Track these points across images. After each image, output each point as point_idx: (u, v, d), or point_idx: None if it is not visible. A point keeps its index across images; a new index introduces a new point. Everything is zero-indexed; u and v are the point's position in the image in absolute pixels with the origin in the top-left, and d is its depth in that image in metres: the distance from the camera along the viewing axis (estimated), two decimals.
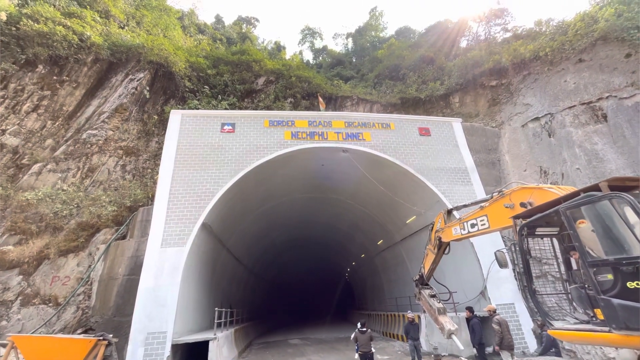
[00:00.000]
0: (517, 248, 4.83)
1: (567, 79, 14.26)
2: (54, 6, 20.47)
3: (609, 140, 11.07)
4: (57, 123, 16.62)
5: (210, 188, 11.68)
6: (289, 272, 35.08)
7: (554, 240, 5.38)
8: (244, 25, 50.52)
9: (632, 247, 3.47)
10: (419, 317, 12.68)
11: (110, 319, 9.72)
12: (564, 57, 15.19)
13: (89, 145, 15.50)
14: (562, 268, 5.02)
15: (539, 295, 4.67)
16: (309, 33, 52.53)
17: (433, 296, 8.93)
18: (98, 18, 22.60)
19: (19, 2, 19.59)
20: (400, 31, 45.89)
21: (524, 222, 4.86)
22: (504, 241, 12.39)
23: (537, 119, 14.04)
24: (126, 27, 25.25)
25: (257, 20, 53.38)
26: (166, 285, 9.87)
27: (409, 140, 14.04)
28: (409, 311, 10.23)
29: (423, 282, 9.34)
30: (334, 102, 23.88)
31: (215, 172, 11.96)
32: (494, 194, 7.02)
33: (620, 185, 3.90)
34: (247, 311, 23.25)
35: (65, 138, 16.11)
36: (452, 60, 26.74)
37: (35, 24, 17.32)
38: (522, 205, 5.84)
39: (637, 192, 3.95)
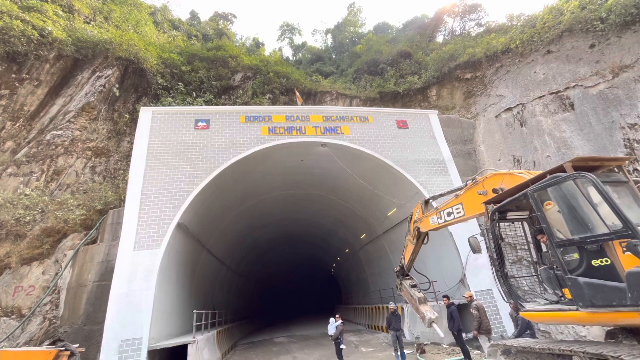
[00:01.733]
0: (489, 233, 4.89)
1: (537, 69, 14.69)
2: (11, 0, 19.13)
3: (576, 128, 11.49)
4: (17, 124, 15.58)
5: (185, 187, 11.27)
6: (274, 270, 34.79)
7: (525, 224, 5.50)
8: (221, 21, 49.23)
9: (596, 226, 3.52)
10: (401, 307, 12.81)
11: (80, 328, 9.20)
12: (533, 49, 15.65)
13: (54, 147, 14.62)
14: (533, 251, 5.11)
15: (512, 278, 4.73)
16: (288, 29, 51.89)
17: (414, 286, 9.01)
18: (61, 12, 21.31)
19: None
20: (378, 27, 46.17)
21: (495, 207, 4.90)
22: (480, 229, 12.66)
23: (509, 109, 14.41)
24: (92, 23, 23.95)
25: (234, 16, 52.14)
26: (140, 290, 9.45)
27: (387, 133, 14.08)
28: (390, 302, 10.28)
29: (404, 273, 9.42)
30: (313, 98, 23.69)
31: (190, 171, 11.55)
32: (468, 182, 7.11)
33: (584, 166, 3.96)
34: (232, 312, 22.85)
35: (27, 140, 15.13)
36: (429, 54, 27.13)
37: None
38: (494, 191, 5.91)
39: (600, 171, 4.03)
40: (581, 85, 12.11)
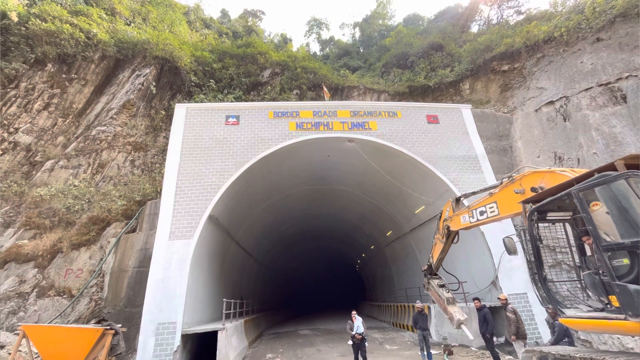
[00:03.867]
0: (527, 234, 4.63)
1: (584, 59, 13.57)
2: (61, 5, 20.68)
3: (628, 123, 10.50)
4: (67, 120, 16.94)
5: (216, 181, 11.71)
6: (299, 264, 35.33)
7: (567, 225, 5.14)
8: (250, 18, 50.03)
9: None
10: (428, 307, 12.54)
11: (122, 309, 9.95)
12: (580, 37, 14.45)
13: (99, 142, 15.75)
14: (576, 254, 4.78)
15: (550, 282, 4.46)
16: (316, 24, 51.76)
17: (442, 286, 8.76)
18: (104, 15, 22.78)
19: (27, 2, 19.86)
20: (408, 18, 44.73)
21: (533, 206, 4.63)
22: (515, 229, 12.03)
23: (551, 102, 13.45)
24: (132, 24, 25.33)
25: (262, 13, 52.72)
26: (175, 277, 10.01)
27: (416, 129, 13.71)
28: (417, 301, 10.09)
29: (432, 272, 9.18)
30: (341, 92, 23.55)
31: (221, 165, 11.97)
32: (504, 180, 6.76)
33: (637, 164, 3.64)
34: (258, 303, 23.57)
35: (75, 135, 16.41)
36: (462, 46, 25.91)
37: (43, 23, 17.57)
38: (533, 190, 5.58)
39: None
40: (635, 76, 11.02)
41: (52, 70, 17.34)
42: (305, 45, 49.33)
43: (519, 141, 13.95)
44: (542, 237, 4.62)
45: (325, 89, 16.83)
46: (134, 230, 12.15)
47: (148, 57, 19.65)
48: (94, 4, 23.37)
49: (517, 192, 6.01)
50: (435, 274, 9.18)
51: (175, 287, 9.91)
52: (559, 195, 4.19)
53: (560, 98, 13.08)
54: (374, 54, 34.94)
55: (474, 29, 34.09)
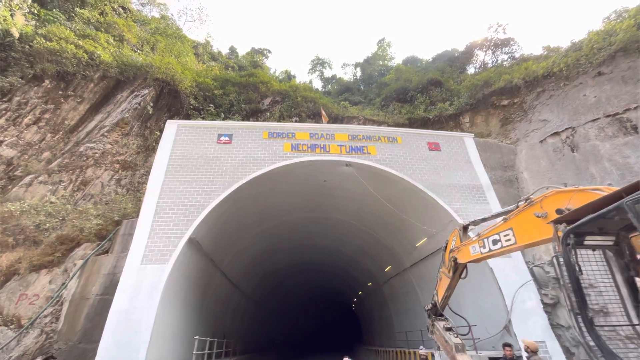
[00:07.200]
0: (564, 263, 3.68)
1: (587, 92, 13.37)
2: (70, 29, 21.18)
3: None
4: (57, 136, 16.40)
5: (201, 200, 10.80)
6: (291, 301, 33.00)
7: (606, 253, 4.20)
8: (256, 55, 51.98)
9: None
10: (432, 354, 10.98)
11: (74, 345, 8.50)
12: (580, 71, 14.43)
13: (85, 158, 15.06)
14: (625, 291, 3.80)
15: (599, 327, 3.44)
16: (319, 63, 53.76)
17: (449, 329, 7.51)
18: (112, 41, 23.31)
19: (37, 23, 20.32)
20: (407, 60, 46.51)
21: (568, 227, 3.75)
22: (528, 267, 10.91)
23: (556, 133, 13.01)
24: (139, 52, 25.94)
25: (269, 51, 54.70)
26: (142, 308, 8.70)
27: (417, 155, 13.10)
28: (421, 347, 8.74)
29: (437, 312, 7.96)
30: (340, 122, 23.38)
31: (207, 184, 11.14)
32: (520, 203, 5.86)
33: None
34: (244, 342, 21.36)
35: (62, 151, 15.77)
36: (460, 84, 26.35)
37: (47, 42, 17.74)
38: (559, 212, 4.70)
39: None
40: None
41: (49, 86, 17.17)
42: (308, 82, 50.82)
43: (524, 172, 13.28)
44: (580, 265, 3.66)
45: (323, 112, 16.55)
46: (106, 253, 10.99)
47: (149, 79, 19.68)
48: (104, 31, 24.04)
49: (538, 216, 5.11)
50: (441, 315, 7.95)
51: (140, 320, 8.56)
52: (605, 210, 3.31)
53: (567, 129, 12.65)
54: (374, 90, 35.67)
55: (471, 70, 35.18)
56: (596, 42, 14.49)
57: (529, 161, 13.40)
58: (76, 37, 20.28)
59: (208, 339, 10.27)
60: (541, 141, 13.45)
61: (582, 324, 3.43)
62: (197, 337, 9.09)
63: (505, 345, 7.25)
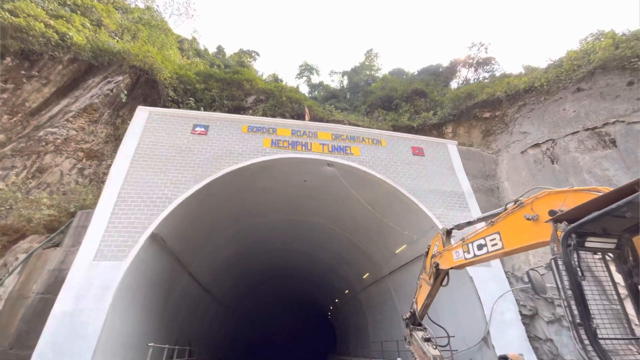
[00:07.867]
0: (563, 265, 3.28)
1: (566, 107, 13.63)
2: (42, 8, 19.73)
3: (621, 166, 10.03)
4: (15, 118, 14.96)
5: (169, 193, 9.92)
6: (265, 307, 31.86)
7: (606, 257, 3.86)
8: (244, 56, 51.07)
9: None
10: None
11: (4, 351, 7.34)
12: (560, 87, 14.76)
13: (44, 144, 13.75)
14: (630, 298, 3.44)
15: (603, 339, 3.02)
16: (307, 69, 53.58)
17: (428, 340, 7.01)
18: (88, 24, 21.94)
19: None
20: (393, 72, 47.21)
21: (570, 226, 3.36)
22: (507, 276, 10.71)
23: (537, 145, 13.12)
24: (118, 40, 24.58)
25: (257, 54, 53.70)
26: (90, 310, 7.69)
27: (401, 159, 12.80)
28: (398, 358, 8.19)
29: (415, 322, 7.47)
30: None
31: (177, 176, 10.28)
32: (508, 205, 5.51)
33: None
34: (213, 350, 20.13)
35: (19, 135, 14.36)
36: (444, 95, 26.78)
37: (13, 17, 16.33)
38: (552, 214, 4.33)
39: None
40: (623, 122, 10.86)
41: (11, 64, 15.74)
42: (295, 87, 50.38)
43: (505, 182, 13.26)
44: (582, 268, 3.27)
45: (307, 111, 16.03)
46: (56, 247, 9.83)
47: (125, 65, 18.52)
48: (80, 14, 22.63)
49: (528, 219, 4.74)
50: (420, 324, 7.48)
51: (87, 324, 7.54)
52: (616, 205, 2.90)
53: (547, 141, 12.78)
54: (360, 98, 35.77)
55: (454, 85, 36.08)
56: (576, 60, 14.91)
57: (510, 171, 13.41)
58: (48, 16, 18.90)
59: (167, 346, 9.29)
60: (522, 152, 13.53)
61: (584, 336, 2.99)
62: (151, 344, 8.12)
63: (502, 358, 6.76)
